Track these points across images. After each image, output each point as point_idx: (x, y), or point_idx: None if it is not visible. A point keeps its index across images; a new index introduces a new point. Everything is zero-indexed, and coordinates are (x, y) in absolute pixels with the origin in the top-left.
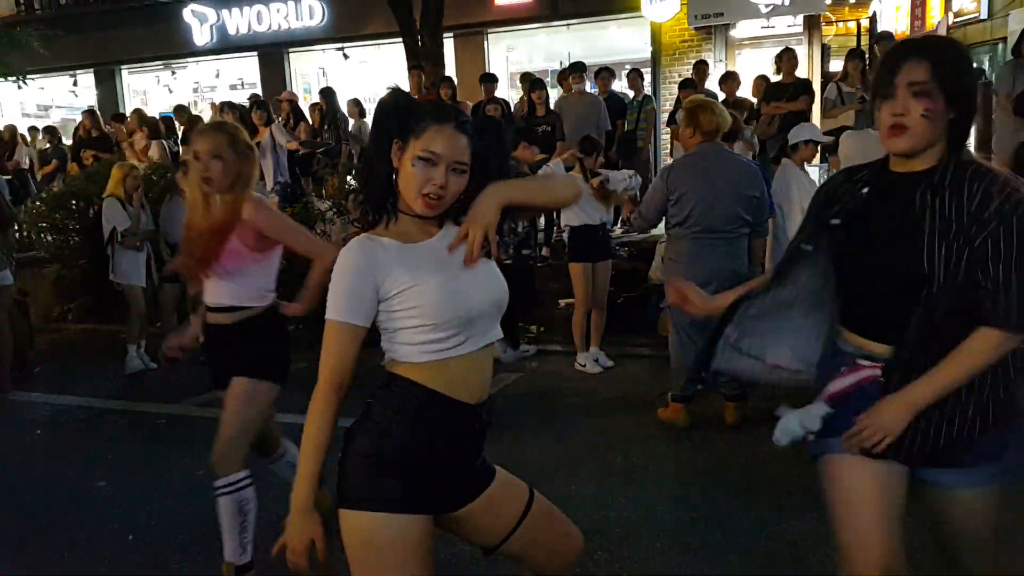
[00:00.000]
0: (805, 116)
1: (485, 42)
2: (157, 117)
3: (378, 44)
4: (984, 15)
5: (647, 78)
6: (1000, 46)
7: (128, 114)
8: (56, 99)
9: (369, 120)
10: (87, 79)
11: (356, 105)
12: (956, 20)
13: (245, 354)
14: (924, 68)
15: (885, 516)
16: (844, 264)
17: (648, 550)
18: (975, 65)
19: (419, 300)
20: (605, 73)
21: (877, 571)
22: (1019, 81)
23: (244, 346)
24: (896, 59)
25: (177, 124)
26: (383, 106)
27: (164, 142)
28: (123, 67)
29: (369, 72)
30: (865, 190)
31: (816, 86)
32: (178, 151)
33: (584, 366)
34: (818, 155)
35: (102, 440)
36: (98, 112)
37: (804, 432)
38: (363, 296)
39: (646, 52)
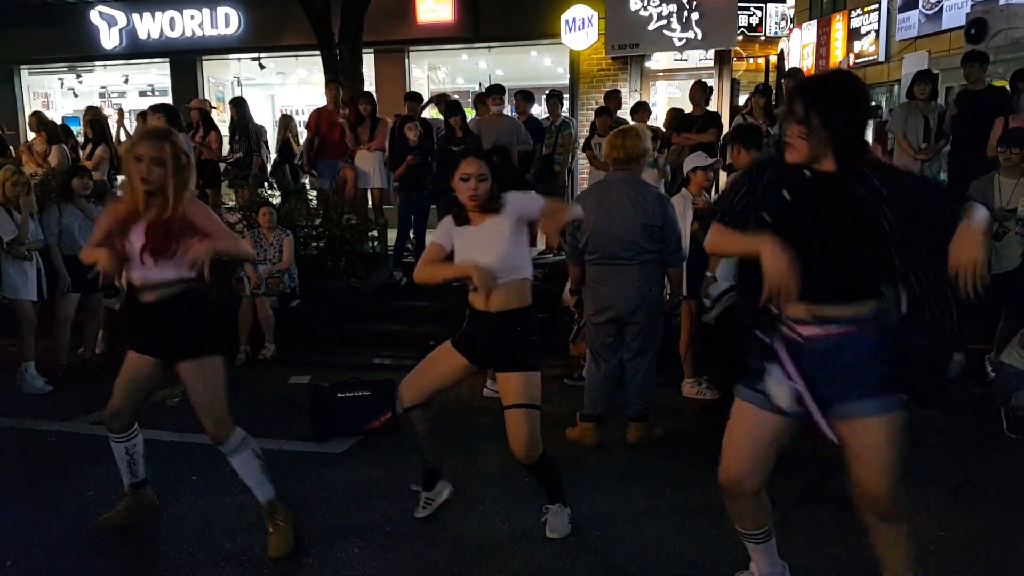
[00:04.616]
0: (713, 147)
1: (406, 60)
2: (59, 121)
3: (296, 55)
4: (882, 58)
5: (565, 103)
6: (896, 87)
7: (27, 117)
8: None
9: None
10: None
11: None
12: (857, 61)
13: (193, 336)
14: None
15: (750, 444)
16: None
17: (548, 572)
18: (872, 103)
19: (457, 255)
20: (520, 96)
21: (728, 474)
22: (911, 120)
23: (188, 328)
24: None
25: (81, 125)
26: (444, 157)
27: (64, 147)
28: (23, 67)
29: (287, 83)
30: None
31: (725, 119)
32: (78, 156)
33: (496, 392)
34: None
35: None
36: None
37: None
38: (446, 235)
39: (566, 78)
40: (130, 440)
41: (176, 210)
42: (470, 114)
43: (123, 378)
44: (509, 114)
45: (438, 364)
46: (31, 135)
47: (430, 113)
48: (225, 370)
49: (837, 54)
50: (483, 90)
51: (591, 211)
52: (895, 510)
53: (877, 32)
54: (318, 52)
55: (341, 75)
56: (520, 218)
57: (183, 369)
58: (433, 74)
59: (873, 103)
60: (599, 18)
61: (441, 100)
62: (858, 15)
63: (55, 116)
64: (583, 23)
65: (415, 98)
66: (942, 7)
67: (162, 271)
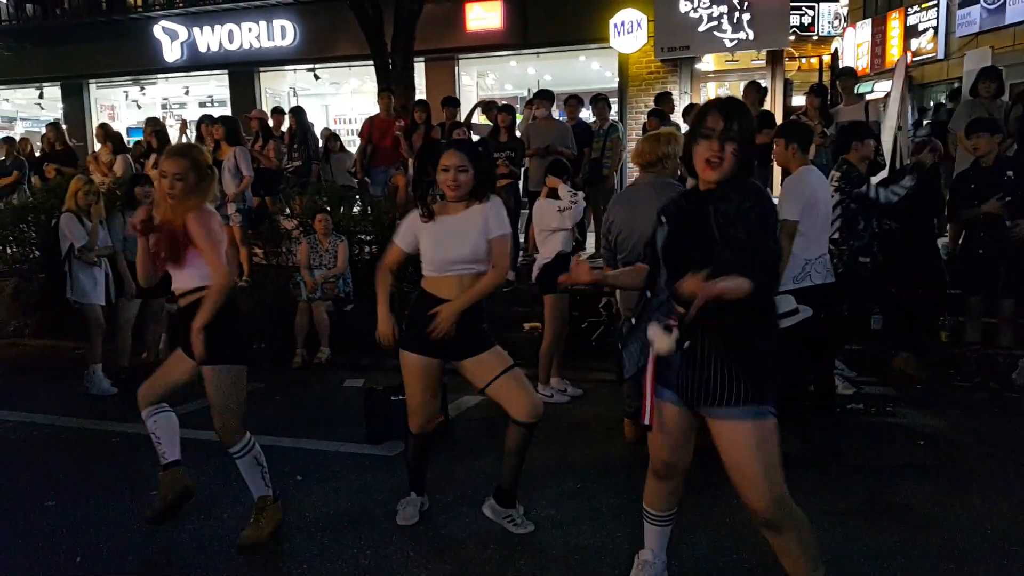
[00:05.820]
0: (767, 148)
1: (456, 67)
2: (125, 132)
3: (349, 66)
4: (941, 55)
5: (614, 107)
6: (956, 85)
7: (94, 129)
8: (21, 111)
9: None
10: (54, 92)
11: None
12: (914, 59)
13: (209, 344)
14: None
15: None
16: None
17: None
18: (933, 102)
19: (423, 248)
20: (573, 100)
21: (661, 455)
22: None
23: (212, 335)
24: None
25: (144, 137)
26: (426, 147)
27: (129, 157)
28: (91, 81)
29: (340, 92)
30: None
31: (779, 120)
32: (142, 166)
33: (551, 396)
34: None
35: (54, 458)
36: (63, 125)
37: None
38: (408, 236)
39: (614, 82)
40: (169, 410)
41: (180, 216)
42: (518, 119)
43: (163, 368)
44: (558, 118)
45: (421, 377)
46: (98, 146)
47: (479, 119)
48: (243, 380)
49: (893, 52)
50: (532, 96)
51: (621, 212)
52: (772, 519)
53: (935, 29)
54: (371, 62)
55: (393, 84)
56: (489, 223)
57: (204, 372)
58: (482, 81)
59: (933, 103)
60: (648, 21)
61: (491, 107)
62: (915, 12)
63: (120, 128)
64: (632, 26)
65: (452, 103)
66: (1005, 1)
67: (184, 278)
